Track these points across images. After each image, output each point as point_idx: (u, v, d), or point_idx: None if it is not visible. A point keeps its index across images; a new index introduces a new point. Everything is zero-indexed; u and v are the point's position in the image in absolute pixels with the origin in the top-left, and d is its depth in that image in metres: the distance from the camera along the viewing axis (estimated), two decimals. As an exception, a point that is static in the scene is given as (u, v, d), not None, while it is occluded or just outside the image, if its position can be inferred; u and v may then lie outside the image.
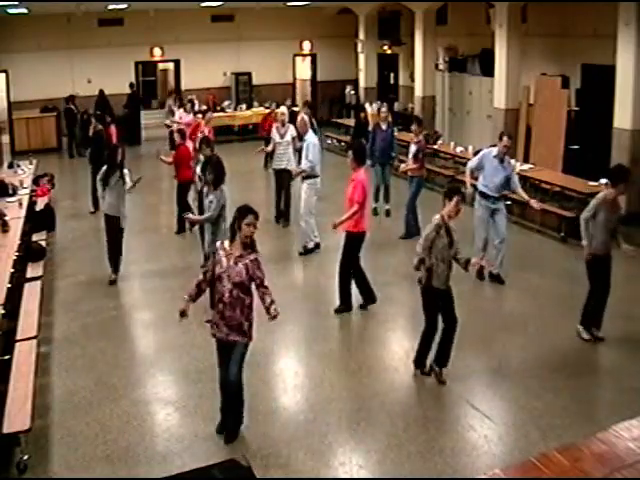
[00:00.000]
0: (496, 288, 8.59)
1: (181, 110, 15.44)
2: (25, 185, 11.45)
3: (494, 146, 8.90)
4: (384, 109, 13.81)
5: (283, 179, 11.00)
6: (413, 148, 10.47)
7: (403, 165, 10.90)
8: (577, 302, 7.93)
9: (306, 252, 9.77)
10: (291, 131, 10.89)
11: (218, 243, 5.39)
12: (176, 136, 11.10)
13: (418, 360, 6.37)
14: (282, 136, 10.84)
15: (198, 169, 9.64)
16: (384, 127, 11.83)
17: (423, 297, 6.23)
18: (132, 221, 9.62)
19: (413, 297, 8.45)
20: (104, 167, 8.70)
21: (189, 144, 11.25)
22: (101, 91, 18.21)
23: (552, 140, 12.88)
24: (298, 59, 22.37)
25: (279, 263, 9.31)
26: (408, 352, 6.93)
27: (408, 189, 10.57)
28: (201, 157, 9.56)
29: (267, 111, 17.17)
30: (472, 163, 8.94)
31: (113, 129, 13.13)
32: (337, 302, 7.82)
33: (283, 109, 11.99)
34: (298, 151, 10.63)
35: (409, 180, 10.65)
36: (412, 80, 18.33)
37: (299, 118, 10.50)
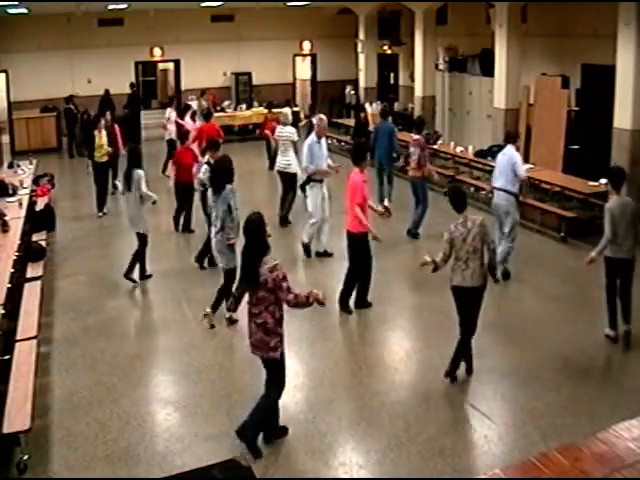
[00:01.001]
0: (495, 288, 8.56)
1: (174, 113, 14.76)
2: (25, 185, 11.46)
3: (502, 147, 8.87)
4: None
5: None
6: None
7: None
8: (577, 302, 7.96)
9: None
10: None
11: (277, 262, 5.08)
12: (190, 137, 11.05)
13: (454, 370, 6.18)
14: None
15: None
16: None
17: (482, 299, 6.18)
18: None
19: (413, 297, 8.49)
20: (139, 170, 8.48)
21: (194, 146, 11.25)
22: (106, 91, 18.19)
23: (552, 140, 12.86)
24: (298, 59, 22.39)
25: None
26: (408, 352, 6.94)
27: (421, 190, 10.45)
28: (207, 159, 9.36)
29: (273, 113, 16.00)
30: (524, 168, 8.78)
31: (117, 128, 13.11)
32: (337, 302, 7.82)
33: (288, 110, 12.01)
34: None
35: (422, 182, 10.50)
36: (412, 80, 18.33)
37: (319, 119, 9.89)
